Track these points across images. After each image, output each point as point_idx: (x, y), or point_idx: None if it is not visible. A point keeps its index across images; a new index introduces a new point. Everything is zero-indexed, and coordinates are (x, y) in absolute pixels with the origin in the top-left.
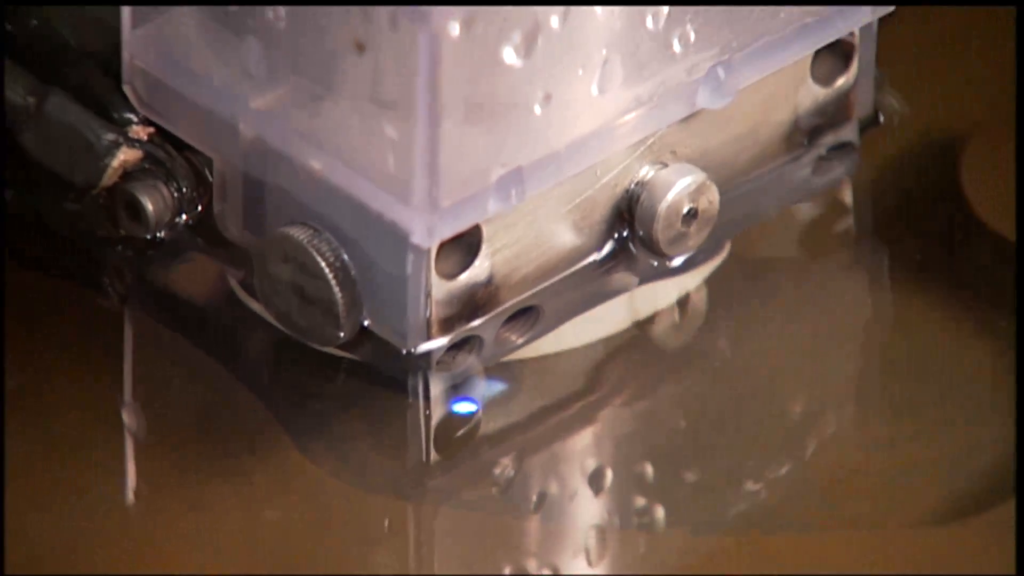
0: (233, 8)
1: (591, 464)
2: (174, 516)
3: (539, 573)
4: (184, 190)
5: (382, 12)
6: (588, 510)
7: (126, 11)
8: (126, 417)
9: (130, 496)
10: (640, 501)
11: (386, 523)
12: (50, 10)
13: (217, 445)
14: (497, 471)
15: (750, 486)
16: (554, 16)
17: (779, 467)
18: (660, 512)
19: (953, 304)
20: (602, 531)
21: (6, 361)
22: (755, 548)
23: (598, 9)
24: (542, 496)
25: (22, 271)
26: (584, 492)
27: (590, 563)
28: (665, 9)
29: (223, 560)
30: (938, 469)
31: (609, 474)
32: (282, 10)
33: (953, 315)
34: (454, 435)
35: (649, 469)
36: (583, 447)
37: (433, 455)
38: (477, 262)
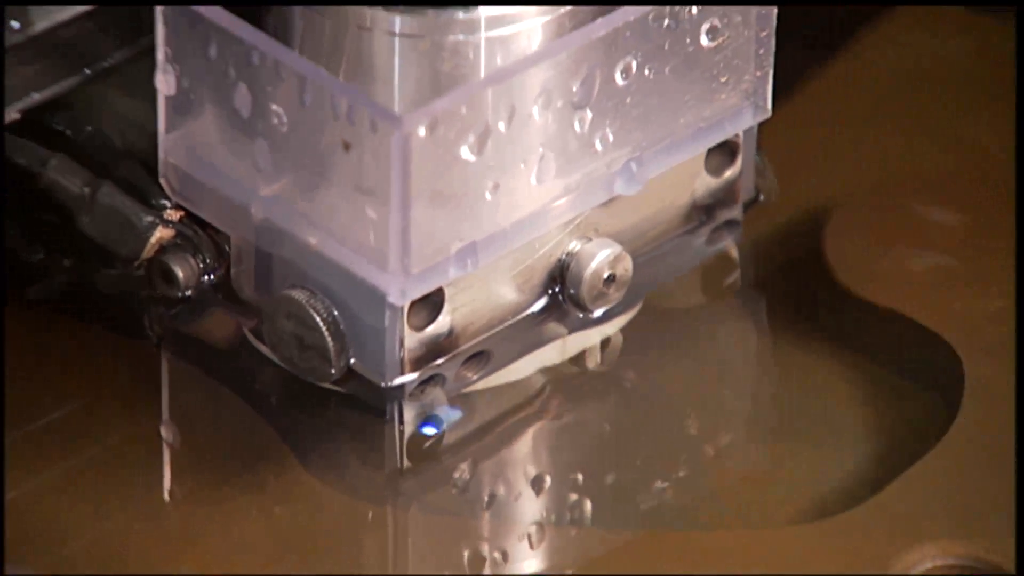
0: (245, 116)
1: (531, 470)
2: (199, 515)
3: (489, 556)
4: (207, 260)
5: (364, 117)
6: (529, 507)
7: (161, 120)
8: (164, 434)
9: (165, 499)
10: (571, 499)
11: (369, 516)
12: (101, 118)
13: (234, 458)
14: (456, 475)
15: (657, 490)
16: (501, 122)
17: (680, 475)
18: (587, 508)
19: (813, 344)
20: (540, 525)
21: (60, 394)
22: (660, 541)
23: (536, 116)
24: (492, 496)
25: (78, 324)
26: (526, 492)
27: (530, 550)
28: (589, 115)
29: (240, 549)
30: (805, 479)
31: (546, 478)
32: (284, 116)
33: (813, 354)
34: (422, 449)
35: (578, 474)
36: (524, 456)
37: (406, 464)
38: (440, 317)
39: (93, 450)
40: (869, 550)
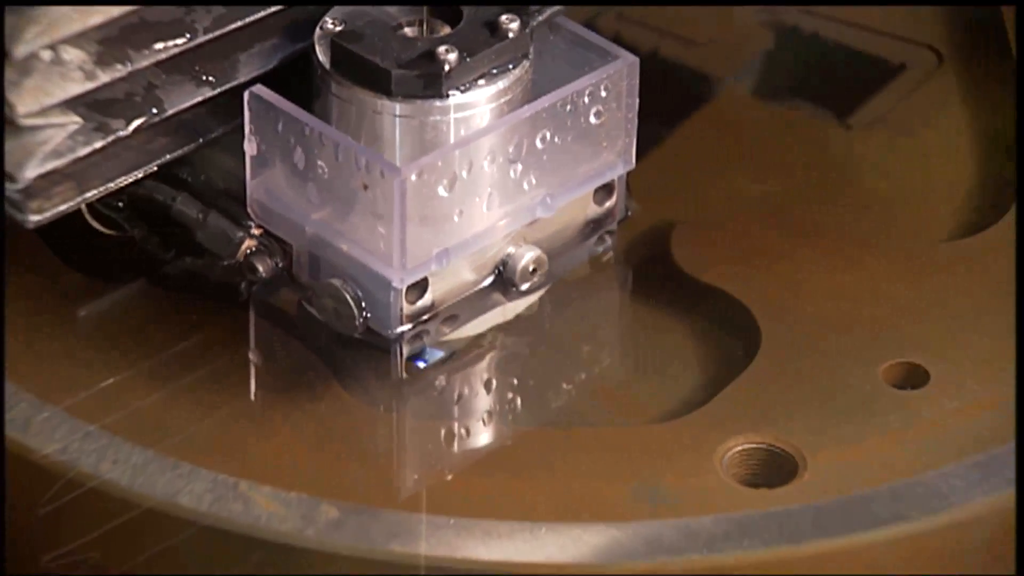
0: (301, 168)
1: (483, 381)
2: (271, 414)
3: (456, 434)
4: (278, 258)
5: (376, 168)
6: (482, 405)
7: (248, 170)
8: (251, 359)
9: (250, 402)
10: (508, 397)
11: (380, 411)
12: (210, 169)
13: (295, 378)
14: (436, 384)
15: (561, 396)
16: (464, 171)
17: (573, 387)
18: (518, 406)
19: (662, 307)
20: (489, 414)
21: (182, 335)
22: (565, 434)
23: (486, 168)
24: (459, 397)
25: (196, 297)
26: (481, 395)
27: (483, 428)
28: (520, 167)
29: (297, 437)
30: (656, 394)
31: (492, 386)
32: (326, 168)
33: (662, 313)
34: (414, 373)
35: (513, 380)
36: (479, 375)
37: (404, 379)
38: (426, 295)
39: (204, 371)
40: (700, 440)
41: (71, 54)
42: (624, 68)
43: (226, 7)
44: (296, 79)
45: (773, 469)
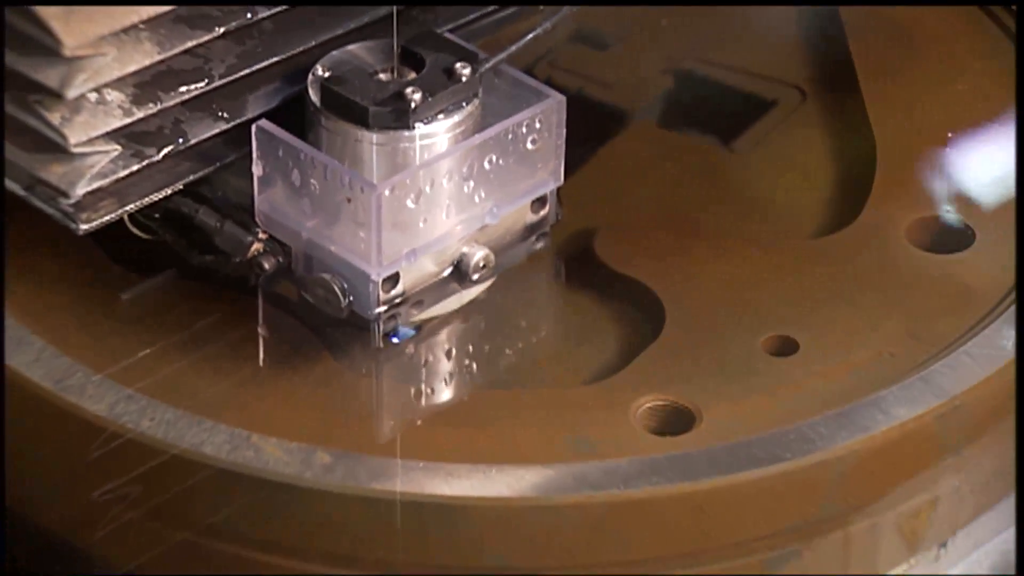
0: (297, 185)
1: (445, 350)
2: (277, 379)
3: (423, 391)
4: (280, 257)
5: (358, 185)
6: (443, 368)
7: (256, 187)
8: (259, 333)
9: (257, 369)
10: (464, 363)
11: (362, 371)
12: (226, 187)
13: (294, 350)
14: (408, 352)
15: (505, 361)
16: (427, 187)
17: (518, 355)
18: (473, 369)
19: (586, 293)
20: (450, 375)
21: (202, 315)
22: (510, 394)
23: (444, 185)
24: (425, 362)
25: (214, 286)
26: (443, 361)
27: (444, 387)
28: (472, 184)
29: (294, 398)
30: (583, 361)
31: (452, 354)
32: (317, 185)
33: (587, 299)
34: (389, 345)
35: (468, 347)
36: (440, 345)
37: (380, 349)
38: (398, 285)
39: (221, 344)
40: (617, 399)
41: (112, 95)
42: (554, 105)
43: (237, 58)
44: (293, 115)
45: (676, 421)
